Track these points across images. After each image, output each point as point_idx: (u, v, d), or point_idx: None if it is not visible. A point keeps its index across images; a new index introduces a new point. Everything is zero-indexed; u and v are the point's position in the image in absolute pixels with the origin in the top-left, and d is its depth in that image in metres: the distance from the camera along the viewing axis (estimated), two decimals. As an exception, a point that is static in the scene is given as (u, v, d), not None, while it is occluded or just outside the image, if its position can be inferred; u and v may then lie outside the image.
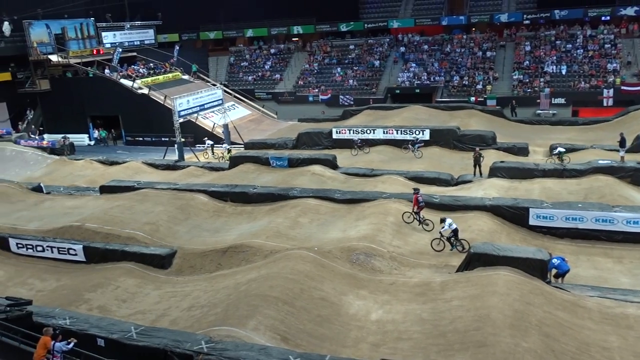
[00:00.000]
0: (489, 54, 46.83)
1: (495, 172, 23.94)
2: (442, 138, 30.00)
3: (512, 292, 13.17)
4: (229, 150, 33.38)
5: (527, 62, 44.59)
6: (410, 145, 29.60)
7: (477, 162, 24.57)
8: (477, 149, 25.50)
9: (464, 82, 44.90)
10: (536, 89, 41.76)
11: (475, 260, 14.94)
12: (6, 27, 42.97)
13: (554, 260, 14.59)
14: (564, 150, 25.80)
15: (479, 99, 42.20)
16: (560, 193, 21.44)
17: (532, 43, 46.15)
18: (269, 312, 13.14)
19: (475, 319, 12.41)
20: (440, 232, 17.23)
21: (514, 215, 18.88)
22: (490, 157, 26.17)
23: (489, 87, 43.53)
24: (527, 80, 43.05)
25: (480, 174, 24.56)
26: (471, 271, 14.81)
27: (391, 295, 14.62)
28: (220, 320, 13.09)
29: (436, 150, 29.52)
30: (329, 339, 12.76)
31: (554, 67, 43.36)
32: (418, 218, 18.90)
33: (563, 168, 23.17)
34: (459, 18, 49.86)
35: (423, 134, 30.20)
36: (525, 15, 47.65)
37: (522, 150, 28.40)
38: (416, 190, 19.07)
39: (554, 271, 14.59)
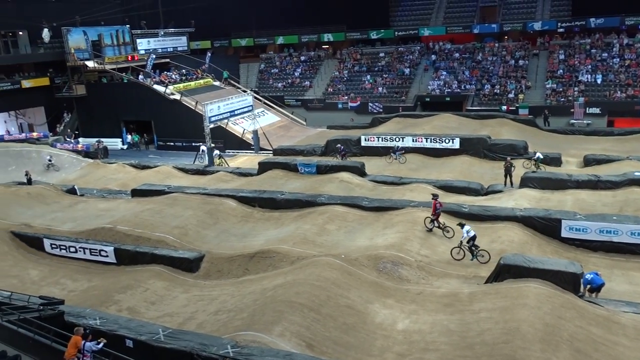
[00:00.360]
0: (521, 62, 46.14)
1: (527, 182, 23.52)
2: (472, 147, 29.63)
3: (543, 306, 12.87)
4: (220, 157, 34.39)
5: (561, 70, 43.77)
6: (392, 153, 29.96)
7: (508, 172, 24.20)
8: (508, 158, 25.11)
9: (495, 90, 44.33)
10: (570, 98, 40.93)
11: (505, 272, 14.67)
12: (45, 33, 44.36)
13: (588, 276, 14.20)
14: (541, 157, 25.88)
15: (510, 108, 41.59)
16: (594, 205, 20.91)
17: (566, 51, 45.30)
18: (294, 318, 13.14)
19: (504, 332, 12.17)
20: (460, 241, 17.04)
21: (545, 226, 18.47)
22: (522, 167, 25.73)
23: (521, 96, 42.86)
24: (561, 89, 42.24)
25: (511, 184, 24.16)
26: (501, 283, 14.55)
27: (418, 305, 14.46)
28: (246, 325, 13.15)
29: (466, 159, 29.17)
30: (354, 347, 12.68)
31: (589, 76, 42.44)
32: (438, 225, 18.78)
33: (597, 179, 22.58)
34: (491, 26, 49.36)
35: (453, 142, 29.90)
36: (559, 24, 46.86)
37: (555, 161, 27.82)
38: (435, 196, 18.99)
39: (588, 287, 14.20)
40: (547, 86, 42.90)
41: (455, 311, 13.78)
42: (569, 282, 13.93)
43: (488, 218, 19.43)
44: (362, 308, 14.26)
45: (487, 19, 50.81)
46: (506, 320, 12.58)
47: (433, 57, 49.64)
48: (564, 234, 18.14)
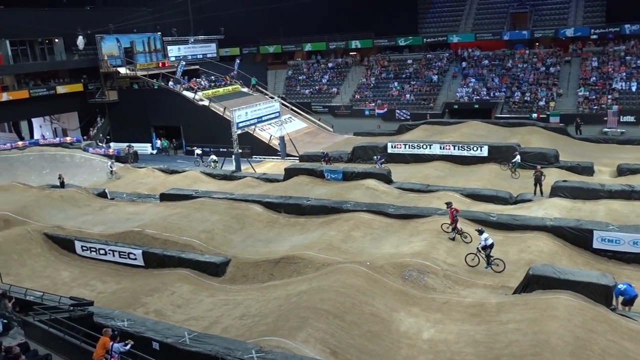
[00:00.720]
0: (552, 69, 45.39)
1: (557, 191, 23.06)
2: (501, 155, 29.19)
3: (573, 318, 12.57)
4: (216, 161, 35.45)
5: (594, 78, 42.89)
6: (375, 158, 30.42)
7: (538, 181, 23.77)
8: (539, 167, 24.67)
9: (525, 98, 43.68)
10: (603, 106, 40.05)
11: (534, 283, 14.38)
12: (80, 41, 45.52)
13: (620, 286, 13.82)
14: (519, 161, 26.16)
15: (541, 116, 40.92)
16: (628, 216, 20.36)
17: (599, 58, 44.40)
18: (319, 324, 13.11)
19: (532, 344, 11.92)
20: (477, 248, 16.87)
21: (576, 237, 18.07)
22: (552, 176, 25.25)
23: (552, 104, 42.13)
24: (594, 97, 41.37)
25: (541, 193, 23.72)
26: (529, 294, 14.26)
27: (444, 314, 14.29)
28: (270, 330, 13.18)
29: (495, 167, 28.76)
30: (378, 355, 12.58)
31: (623, 83, 41.49)
32: (456, 231, 18.69)
33: (631, 189, 21.99)
34: (522, 33, 48.70)
35: (481, 150, 29.53)
36: (592, 30, 46.00)
37: (587, 170, 27.21)
38: (449, 205, 18.97)
39: (620, 298, 13.81)
40: (580, 94, 42.08)
41: (482, 321, 13.56)
42: (600, 294, 13.58)
43: (517, 227, 19.12)
44: (387, 316, 14.15)
45: (518, 25, 50.16)
46: (535, 332, 12.32)
47: (464, 64, 49.14)
48: (596, 245, 17.70)
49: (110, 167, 36.24)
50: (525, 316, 13.19)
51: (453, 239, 18.73)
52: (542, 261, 16.33)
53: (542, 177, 23.79)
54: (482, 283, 16.17)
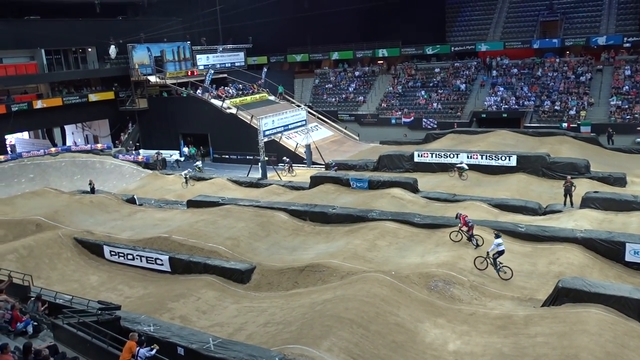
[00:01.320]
0: (583, 78, 44.53)
1: (588, 202, 22.51)
2: (530, 165, 28.68)
3: (604, 333, 12.23)
4: (200, 169, 36.91)
5: (627, 87, 41.91)
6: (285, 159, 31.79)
7: (568, 192, 23.26)
8: (569, 177, 24.16)
9: (555, 107, 42.93)
10: (636, 115, 39.09)
11: (564, 296, 14.06)
12: (112, 50, 46.63)
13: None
14: (466, 167, 27.11)
15: (571, 125, 40.11)
16: (662, 228, 19.77)
17: (632, 67, 43.38)
18: (343, 334, 13.04)
19: (561, 359, 11.63)
20: (487, 252, 16.94)
21: (608, 249, 17.59)
22: (583, 186, 24.70)
23: (583, 113, 41.30)
24: (627, 106, 40.41)
25: (572, 204, 23.21)
26: (559, 307, 13.95)
27: (470, 326, 14.07)
28: (294, 338, 13.16)
29: (523, 177, 28.28)
30: (403, 366, 12.44)
31: (657, 92, 40.47)
32: (468, 237, 18.72)
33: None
34: (552, 41, 47.94)
35: (510, 159, 29.09)
36: (625, 38, 44.96)
37: (619, 181, 26.51)
38: (458, 215, 19.05)
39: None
40: (612, 103, 41.15)
41: (510, 334, 13.31)
42: (633, 309, 13.20)
43: (546, 239, 18.73)
44: (412, 327, 14.00)
45: (548, 33, 49.43)
46: (564, 347, 12.03)
47: (494, 72, 48.51)
48: (629, 257, 17.21)
49: (185, 176, 34.54)
50: (554, 330, 12.90)
51: (477, 246, 18.50)
52: (572, 274, 15.95)
53: (573, 188, 23.27)
54: (509, 295, 15.88)
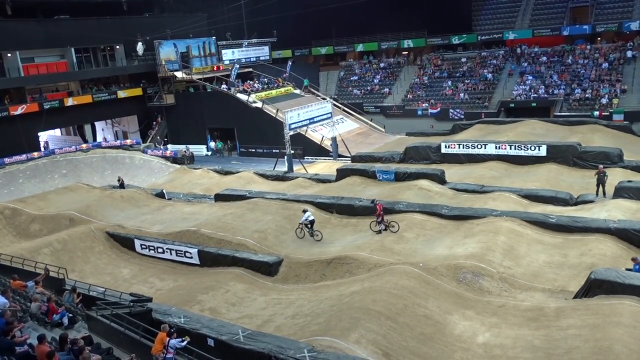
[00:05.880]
0: (616, 65, 43.29)
1: (622, 192, 21.94)
2: (561, 155, 28.11)
3: (639, 325, 11.96)
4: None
5: (662, 73, 40.63)
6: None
7: (600, 181, 22.73)
8: (601, 167, 23.60)
9: (586, 95, 41.88)
10: (672, 102, 37.91)
11: (597, 287, 13.79)
12: (140, 47, 47.28)
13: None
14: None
15: (603, 114, 39.07)
16: (699, 218, 19.18)
17: (667, 52, 42.02)
18: (371, 325, 13.05)
19: (594, 351, 11.43)
20: (300, 223, 20.88)
21: (642, 240, 17.19)
22: (616, 176, 24.09)
23: (615, 101, 40.19)
24: (662, 92, 39.21)
25: (604, 194, 22.68)
26: (591, 298, 13.70)
27: (500, 318, 13.92)
28: (322, 330, 13.23)
29: (554, 167, 27.73)
30: (432, 358, 12.40)
31: (694, 78, 39.09)
32: (383, 225, 20.26)
33: None
34: (583, 27, 46.71)
35: (539, 149, 28.56)
36: (660, 22, 43.54)
37: (654, 170, 25.81)
38: (373, 201, 21.11)
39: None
40: (646, 90, 39.98)
41: (541, 326, 13.13)
42: (669, 300, 12.87)
43: (578, 230, 18.38)
44: (441, 319, 13.92)
45: (578, 19, 48.17)
46: (597, 339, 11.82)
47: (524, 63, 47.45)
48: (664, 248, 16.79)
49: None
50: (586, 322, 12.68)
51: (379, 232, 20.22)
52: (604, 265, 15.64)
53: (605, 177, 22.72)
54: (540, 287, 15.66)
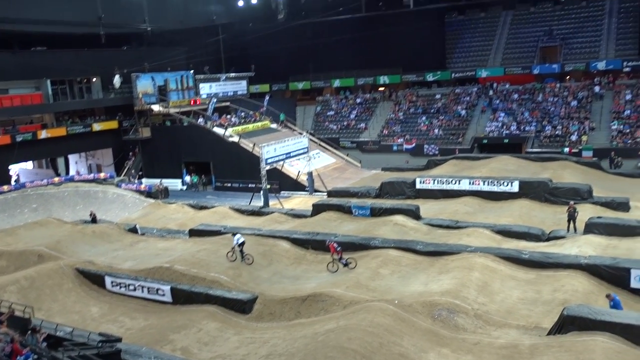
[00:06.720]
0: (584, 103, 44.75)
1: (592, 228, 22.38)
2: (533, 190, 28.63)
3: (611, 363, 12.04)
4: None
5: (628, 111, 42.14)
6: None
7: (571, 217, 23.16)
8: (572, 203, 24.09)
9: (557, 132, 43.10)
10: (638, 139, 39.20)
11: (569, 324, 13.86)
12: (117, 80, 47.18)
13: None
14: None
15: (573, 150, 40.22)
16: (667, 254, 19.60)
17: (633, 91, 43.66)
18: (346, 365, 12.84)
19: (568, 390, 11.43)
20: (232, 247, 21.36)
21: (613, 276, 17.40)
22: (586, 212, 24.59)
23: (584, 138, 41.43)
24: (628, 130, 40.55)
25: (575, 229, 23.09)
26: (564, 335, 13.75)
27: (475, 356, 13.86)
28: (296, 370, 12.97)
29: (526, 203, 28.19)
30: (407, 399, 12.22)
31: (658, 116, 40.64)
32: (342, 262, 20.25)
33: None
34: (552, 67, 48.45)
35: (512, 185, 29.07)
36: (625, 63, 45.41)
37: (622, 206, 26.40)
38: (330, 240, 20.98)
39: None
40: (613, 127, 41.33)
41: (515, 364, 13.10)
42: (640, 337, 13.01)
43: (550, 265, 18.57)
44: (416, 357, 13.80)
45: (548, 58, 49.95)
46: (571, 377, 11.83)
47: (497, 101, 48.74)
48: (634, 284, 17.02)
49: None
50: (560, 359, 12.69)
51: (336, 271, 20.29)
52: (577, 301, 15.78)
53: (576, 213, 23.18)
54: (514, 323, 15.68)
